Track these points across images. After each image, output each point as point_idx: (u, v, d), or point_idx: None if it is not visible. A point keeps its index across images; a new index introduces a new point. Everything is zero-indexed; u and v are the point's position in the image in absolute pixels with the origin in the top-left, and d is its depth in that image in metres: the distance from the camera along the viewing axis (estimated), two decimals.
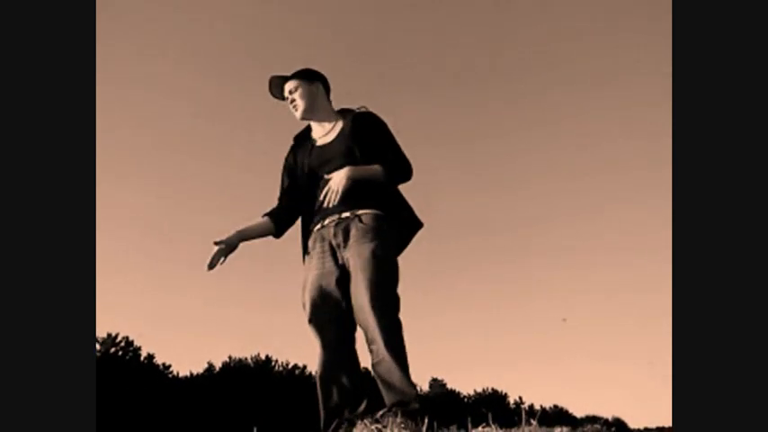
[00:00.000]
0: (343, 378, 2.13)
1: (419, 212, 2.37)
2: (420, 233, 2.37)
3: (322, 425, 2.10)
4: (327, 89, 2.45)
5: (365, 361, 2.17)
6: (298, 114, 2.37)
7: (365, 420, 1.90)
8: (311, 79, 2.40)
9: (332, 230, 2.21)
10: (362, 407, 2.08)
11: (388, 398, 2.02)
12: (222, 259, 2.24)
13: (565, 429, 1.87)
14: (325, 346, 2.14)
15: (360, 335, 2.15)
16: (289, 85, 2.38)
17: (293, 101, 2.36)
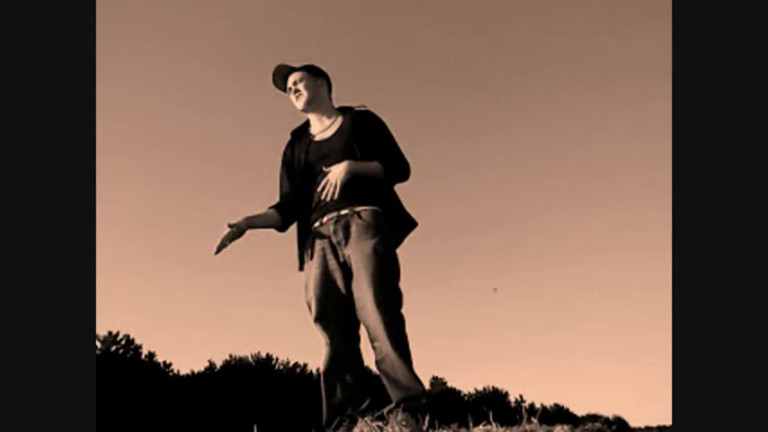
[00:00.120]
0: (348, 376, 2.13)
1: (418, 210, 2.38)
2: (422, 230, 2.38)
3: (324, 422, 2.10)
4: (330, 87, 2.47)
5: (368, 359, 2.18)
6: (300, 104, 2.38)
7: (366, 418, 1.91)
8: (316, 74, 2.42)
9: (331, 228, 2.20)
10: (365, 404, 2.08)
11: (394, 394, 2.02)
12: (227, 243, 2.23)
13: (566, 427, 1.87)
14: (331, 344, 2.15)
15: (363, 332, 2.16)
16: (294, 77, 2.39)
17: (297, 91, 2.37)
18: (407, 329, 2.10)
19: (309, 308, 2.21)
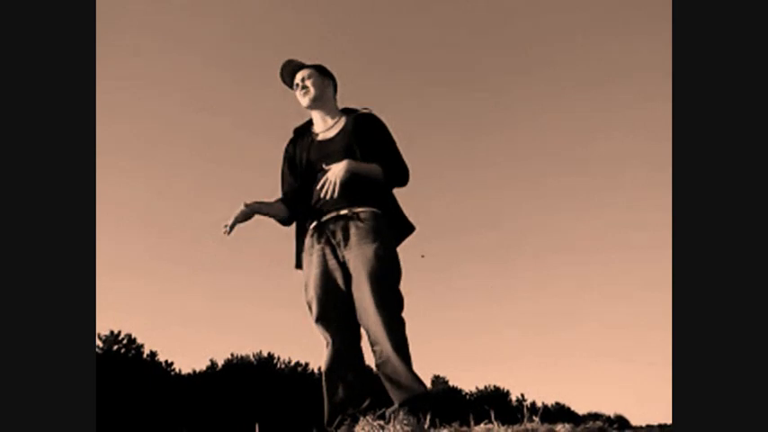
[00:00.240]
0: (349, 375, 2.14)
1: (417, 210, 2.39)
2: (421, 230, 2.38)
3: (326, 421, 2.10)
4: (335, 89, 2.48)
5: (368, 359, 2.19)
6: (306, 101, 2.38)
7: (368, 417, 1.91)
8: (325, 74, 2.44)
9: (330, 228, 2.20)
10: (366, 404, 2.09)
11: (396, 396, 2.03)
12: (238, 223, 2.19)
13: (567, 426, 1.87)
14: (333, 343, 2.15)
15: (363, 332, 2.16)
16: (303, 73, 2.40)
17: (305, 87, 2.38)
18: (408, 329, 2.11)
19: (310, 308, 2.21)
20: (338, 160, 2.20)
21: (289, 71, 2.43)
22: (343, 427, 2.03)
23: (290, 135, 2.50)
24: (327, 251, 2.20)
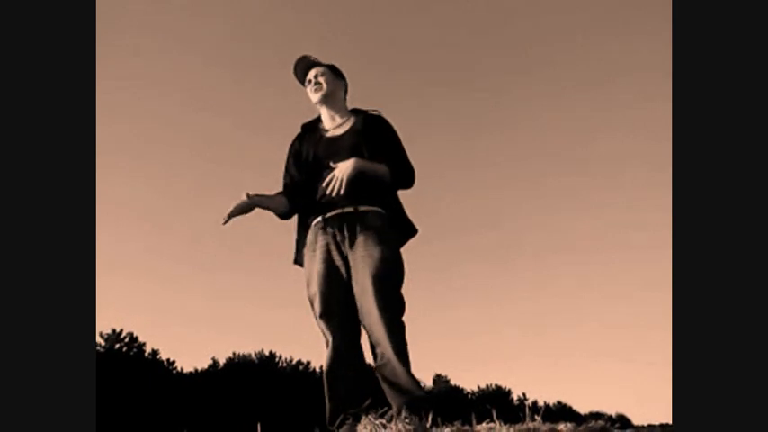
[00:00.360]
0: (351, 374, 2.14)
1: (417, 210, 2.39)
2: (422, 230, 2.38)
3: (327, 420, 2.11)
4: (346, 91, 2.50)
5: (369, 359, 2.19)
6: (317, 96, 2.39)
7: (370, 415, 1.91)
8: (338, 74, 2.46)
9: (335, 225, 2.20)
10: (367, 402, 2.09)
11: (394, 399, 2.03)
12: (236, 215, 2.17)
13: (569, 425, 1.87)
14: (334, 340, 2.15)
15: (363, 331, 2.17)
16: (317, 70, 2.41)
17: (318, 83, 2.38)
18: (411, 328, 2.12)
19: (312, 304, 2.21)
20: (345, 158, 2.20)
21: (302, 67, 2.44)
22: (345, 426, 2.03)
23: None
24: (332, 248, 2.20)
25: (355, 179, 2.14)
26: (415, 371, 2.07)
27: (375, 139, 2.30)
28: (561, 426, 1.85)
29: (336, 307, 2.17)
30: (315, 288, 2.19)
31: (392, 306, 2.09)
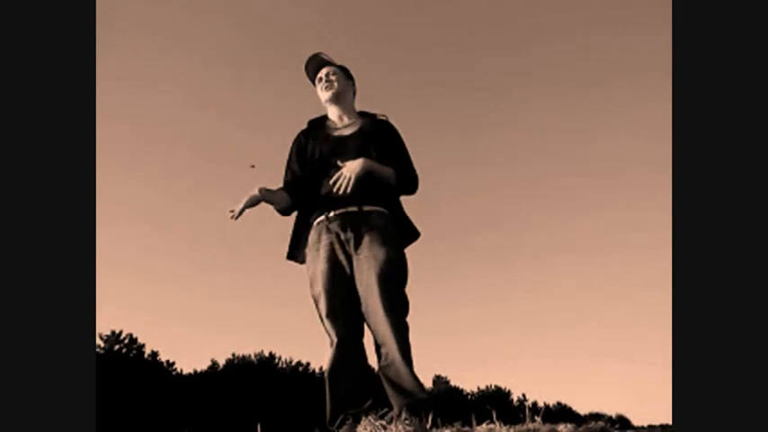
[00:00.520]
0: (353, 374, 2.14)
1: (417, 210, 2.40)
2: (425, 229, 2.39)
3: (328, 420, 2.10)
4: (354, 94, 2.52)
5: (370, 358, 2.19)
6: (327, 95, 2.39)
7: (370, 416, 1.91)
8: (349, 76, 2.48)
9: (339, 223, 2.19)
10: (368, 403, 2.09)
11: (396, 400, 2.03)
12: (245, 210, 2.18)
13: (569, 426, 1.87)
14: (338, 340, 2.14)
15: (367, 330, 2.16)
16: (329, 68, 2.43)
17: (329, 81, 2.40)
18: (412, 328, 2.12)
19: (316, 303, 2.20)
20: (353, 158, 2.20)
21: (315, 64, 2.45)
22: (345, 427, 2.02)
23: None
24: (336, 247, 2.19)
25: (362, 179, 2.15)
26: (416, 371, 2.07)
27: (383, 142, 2.31)
28: (561, 427, 1.85)
29: (341, 306, 2.16)
30: (319, 288, 2.18)
31: (397, 306, 2.09)
